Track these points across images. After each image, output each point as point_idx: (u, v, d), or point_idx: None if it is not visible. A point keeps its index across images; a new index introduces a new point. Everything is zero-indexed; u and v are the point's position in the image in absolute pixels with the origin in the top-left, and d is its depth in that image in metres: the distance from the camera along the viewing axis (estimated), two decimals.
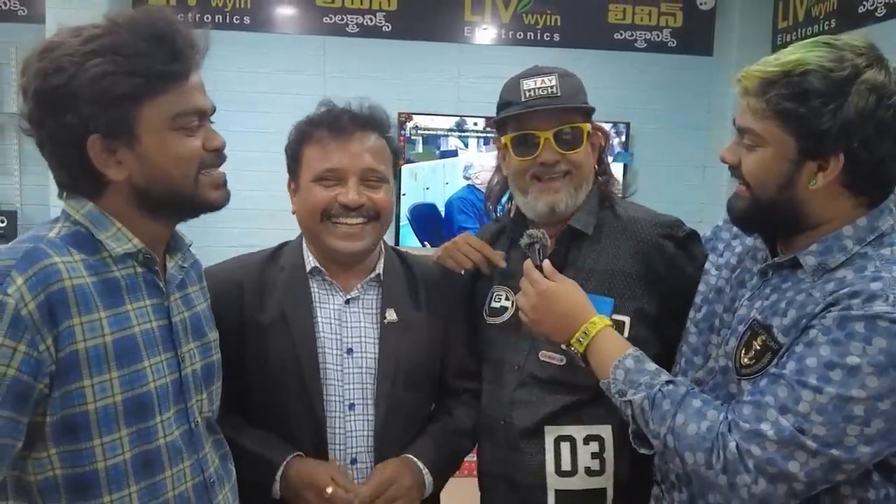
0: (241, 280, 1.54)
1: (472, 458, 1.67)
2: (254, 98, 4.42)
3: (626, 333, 1.48)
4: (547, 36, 4.73)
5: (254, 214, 4.02)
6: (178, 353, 1.21)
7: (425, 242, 4.58)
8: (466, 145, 4.65)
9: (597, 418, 1.51)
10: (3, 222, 4.35)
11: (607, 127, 1.73)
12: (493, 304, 1.65)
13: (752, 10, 4.57)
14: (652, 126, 4.64)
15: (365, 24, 4.63)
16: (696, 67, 4.81)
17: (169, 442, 1.17)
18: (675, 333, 1.50)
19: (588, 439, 1.51)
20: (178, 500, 1.18)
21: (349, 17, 4.62)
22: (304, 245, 1.59)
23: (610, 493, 1.51)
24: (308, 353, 1.49)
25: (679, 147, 4.79)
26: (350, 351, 1.52)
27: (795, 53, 1.17)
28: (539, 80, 1.55)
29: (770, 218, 1.25)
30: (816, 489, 1.13)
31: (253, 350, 1.49)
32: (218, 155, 1.21)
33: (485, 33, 4.72)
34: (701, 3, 4.71)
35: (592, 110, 1.59)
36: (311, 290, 1.55)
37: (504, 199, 1.75)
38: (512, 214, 1.70)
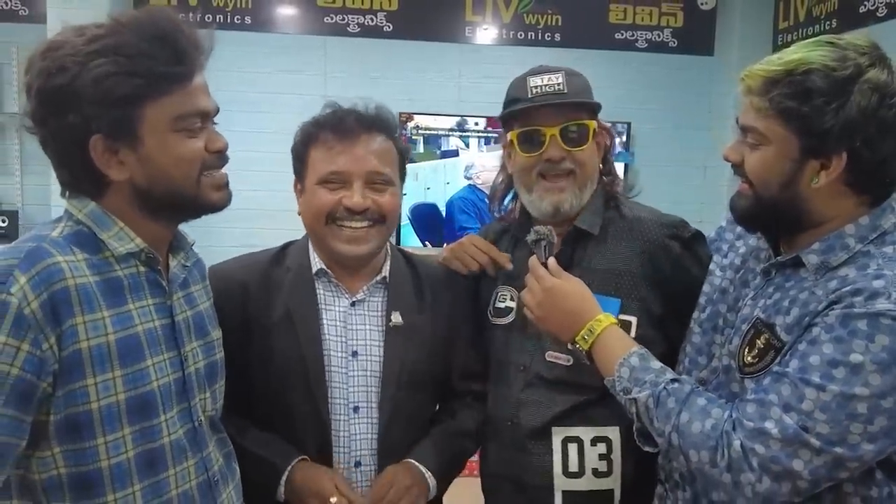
0: (245, 280, 1.53)
1: (473, 457, 1.67)
2: (255, 98, 4.42)
3: (632, 333, 1.48)
4: (548, 36, 4.73)
5: (255, 214, 4.02)
6: (180, 352, 1.21)
7: (426, 242, 4.59)
8: (467, 145, 4.65)
9: (604, 419, 1.51)
10: (4, 222, 4.36)
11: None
12: (498, 305, 1.65)
13: (753, 9, 4.58)
14: (652, 126, 4.65)
15: (366, 24, 4.64)
16: (697, 67, 4.82)
17: (173, 441, 1.17)
18: (679, 333, 1.49)
19: (595, 440, 1.51)
20: (182, 499, 1.18)
21: (350, 17, 4.62)
22: (310, 246, 1.58)
23: (617, 495, 1.51)
24: (314, 356, 1.48)
25: (680, 147, 4.80)
26: (355, 354, 1.52)
27: (798, 53, 1.18)
28: (546, 77, 1.54)
29: (773, 216, 1.25)
30: (820, 487, 1.13)
31: (258, 350, 1.48)
32: (220, 156, 1.20)
33: (486, 33, 4.73)
34: (702, 3, 4.71)
35: (599, 108, 1.59)
36: (317, 291, 1.54)
37: (507, 199, 1.75)
38: (517, 214, 1.70)
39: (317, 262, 1.55)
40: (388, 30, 4.65)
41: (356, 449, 1.49)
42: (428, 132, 4.61)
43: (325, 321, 1.52)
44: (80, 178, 1.14)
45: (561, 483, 1.51)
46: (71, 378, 1.05)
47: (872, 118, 1.13)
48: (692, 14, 4.81)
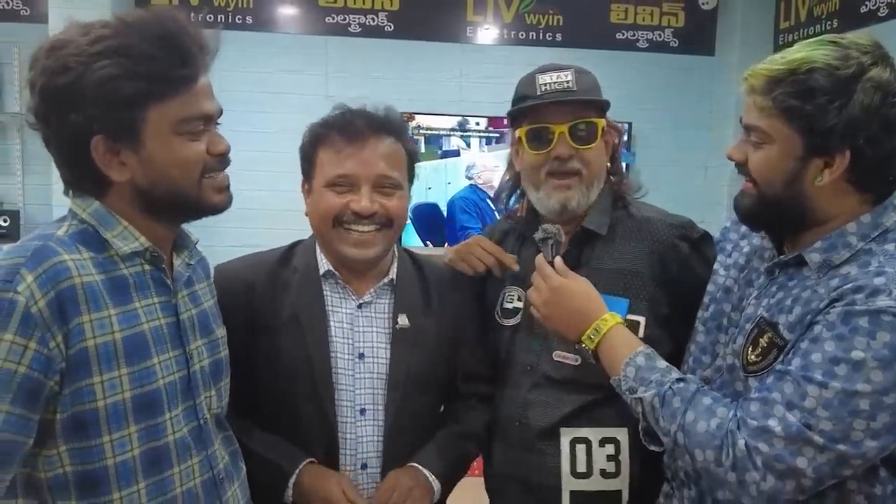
0: (252, 279, 1.53)
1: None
2: (256, 98, 4.42)
3: (640, 334, 1.48)
4: (549, 36, 4.73)
5: (257, 214, 4.03)
6: (186, 350, 1.22)
7: (427, 242, 4.59)
8: (469, 145, 4.65)
9: (613, 420, 1.51)
10: (5, 222, 4.36)
11: None
12: (506, 306, 1.65)
13: (754, 10, 4.58)
14: (654, 126, 4.65)
15: (367, 24, 4.64)
16: (698, 67, 4.82)
17: (178, 438, 1.17)
18: (686, 333, 1.49)
19: (604, 441, 1.51)
20: (187, 496, 1.18)
21: (351, 16, 4.62)
22: (318, 247, 1.57)
23: (625, 495, 1.51)
24: (321, 358, 1.48)
25: (681, 147, 4.80)
26: (362, 356, 1.51)
27: (801, 52, 1.18)
28: (555, 74, 1.54)
29: (777, 214, 1.26)
30: (824, 485, 1.13)
31: (264, 351, 1.48)
32: (222, 159, 1.20)
33: (487, 33, 4.73)
34: (703, 3, 4.71)
35: (608, 106, 1.59)
36: (325, 293, 1.53)
37: (514, 198, 1.75)
38: (524, 213, 1.70)
39: (324, 264, 1.55)
40: (390, 30, 4.65)
41: (362, 451, 1.49)
42: (429, 132, 4.61)
43: (332, 323, 1.51)
44: (81, 177, 1.15)
45: (569, 483, 1.51)
46: (78, 376, 1.05)
47: (875, 116, 1.14)
48: (693, 14, 4.81)
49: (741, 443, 1.14)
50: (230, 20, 4.52)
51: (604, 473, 1.51)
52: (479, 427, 1.62)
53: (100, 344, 1.07)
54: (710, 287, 1.47)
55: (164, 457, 1.15)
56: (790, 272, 1.27)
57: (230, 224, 3.63)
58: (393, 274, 1.58)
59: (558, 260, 1.45)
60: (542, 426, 1.53)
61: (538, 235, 1.48)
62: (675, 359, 1.43)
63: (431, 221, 4.60)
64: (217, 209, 1.22)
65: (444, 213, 4.64)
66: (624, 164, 4.45)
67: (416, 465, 1.50)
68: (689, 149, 4.81)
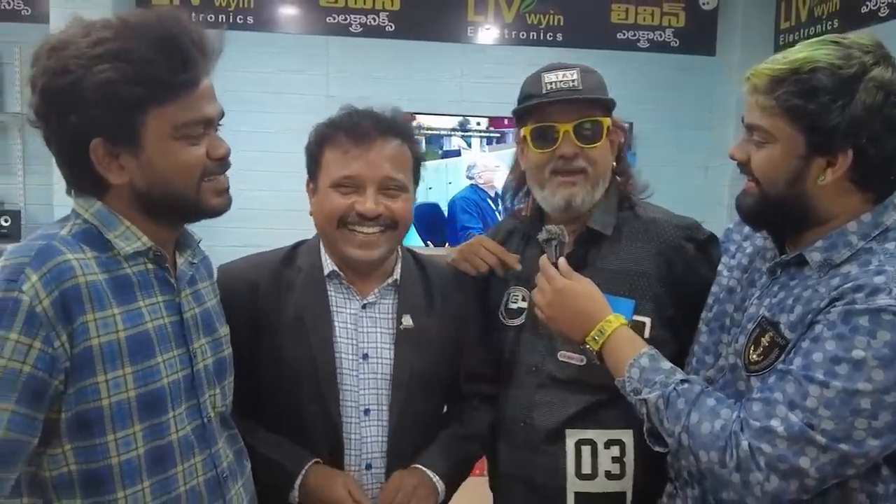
0: (255, 279, 1.53)
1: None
2: (257, 98, 4.42)
3: (646, 335, 1.48)
4: (550, 36, 4.73)
5: (258, 214, 4.03)
6: (189, 349, 1.22)
7: (428, 242, 4.60)
8: (469, 145, 4.66)
9: (618, 422, 1.51)
10: (7, 222, 4.35)
11: None
12: (511, 306, 1.65)
13: (755, 10, 4.58)
14: (654, 126, 4.65)
15: (368, 23, 4.64)
16: (699, 67, 4.82)
17: (181, 437, 1.17)
18: (690, 334, 1.49)
19: (609, 444, 1.51)
20: (190, 495, 1.19)
21: (352, 16, 4.62)
22: (322, 247, 1.57)
23: (629, 497, 1.51)
24: (325, 358, 1.48)
25: (682, 147, 4.80)
26: (366, 356, 1.52)
27: (803, 52, 1.19)
28: (561, 73, 1.54)
29: (779, 214, 1.26)
30: (827, 484, 1.14)
31: (267, 351, 1.48)
32: (222, 163, 1.20)
33: (488, 33, 4.73)
34: (703, 4, 4.71)
35: (613, 105, 1.59)
36: (329, 293, 1.53)
37: (519, 196, 1.75)
38: (528, 212, 1.70)
39: (328, 264, 1.55)
40: (391, 30, 4.65)
41: (367, 451, 1.49)
42: (430, 132, 4.62)
43: (336, 323, 1.51)
44: (80, 177, 1.15)
45: (574, 484, 1.51)
46: (82, 375, 1.05)
47: (877, 115, 1.15)
48: (694, 14, 4.81)
49: (744, 444, 1.14)
50: (231, 20, 4.52)
51: (608, 475, 1.51)
52: (483, 428, 1.62)
53: (104, 343, 1.07)
54: (713, 288, 1.47)
55: (168, 455, 1.16)
56: (792, 271, 1.28)
57: (231, 224, 3.63)
58: (397, 274, 1.58)
59: (562, 261, 1.44)
60: (547, 427, 1.54)
61: (542, 236, 1.47)
62: (680, 360, 1.43)
63: (432, 221, 4.60)
64: (216, 212, 1.22)
65: (445, 213, 4.64)
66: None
67: (421, 466, 1.50)
68: (689, 149, 4.81)
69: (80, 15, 1.15)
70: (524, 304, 1.62)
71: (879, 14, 3.71)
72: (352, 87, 4.50)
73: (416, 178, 1.58)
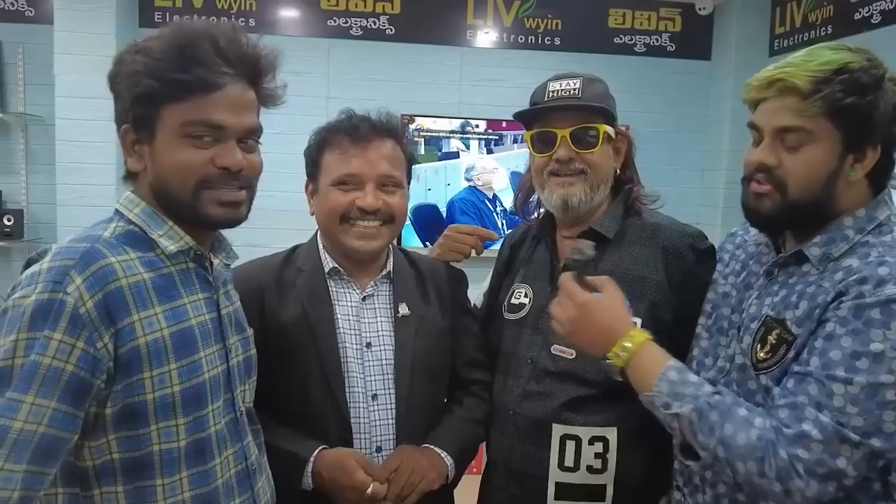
0: (260, 283, 1.59)
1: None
2: None
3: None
4: (548, 40, 4.76)
5: (258, 214, 4.05)
6: (226, 345, 1.26)
7: (427, 242, 4.62)
8: (468, 147, 4.70)
9: (604, 420, 1.55)
10: (10, 221, 4.37)
11: None
12: (513, 301, 1.71)
13: (750, 15, 4.60)
14: (650, 129, 4.66)
15: (368, 26, 4.68)
16: (695, 72, 4.85)
17: (218, 430, 1.21)
18: (685, 339, 1.52)
19: (594, 440, 1.55)
20: (224, 487, 1.22)
21: (353, 19, 4.66)
22: (320, 247, 1.65)
23: (610, 491, 1.55)
24: (330, 348, 1.55)
25: (677, 150, 4.83)
26: (369, 345, 1.58)
27: (829, 55, 1.23)
28: (564, 82, 1.61)
29: (802, 215, 1.27)
30: (859, 480, 1.15)
31: (275, 348, 1.53)
32: (229, 174, 1.19)
33: (486, 37, 4.76)
34: (699, 9, 4.73)
35: (612, 114, 1.63)
36: (330, 289, 1.61)
37: (531, 199, 1.81)
38: (539, 215, 1.77)
39: (328, 262, 1.63)
40: (391, 33, 4.69)
41: (377, 435, 1.55)
42: (429, 134, 4.66)
43: (338, 316, 1.59)
44: (126, 161, 1.22)
45: (555, 475, 1.55)
46: (130, 372, 1.09)
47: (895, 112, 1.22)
48: (690, 19, 4.84)
49: (782, 452, 1.13)
50: (236, 22, 4.54)
51: (590, 469, 1.54)
52: (483, 413, 1.67)
53: (150, 341, 1.11)
54: (710, 295, 1.50)
55: (208, 448, 1.19)
56: (790, 270, 1.31)
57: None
58: (389, 267, 1.66)
59: (595, 278, 1.42)
60: (535, 417, 1.58)
61: (575, 257, 1.42)
62: None
63: (431, 222, 4.64)
64: (216, 222, 1.23)
65: (444, 214, 4.68)
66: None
67: (432, 446, 1.56)
68: (685, 152, 4.85)
69: (84, 15, 1.23)
70: (525, 301, 1.69)
71: (872, 21, 3.75)
72: (352, 90, 4.53)
73: (409, 177, 1.67)
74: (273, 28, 4.62)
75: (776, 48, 4.48)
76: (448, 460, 1.55)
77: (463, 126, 4.67)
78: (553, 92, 1.60)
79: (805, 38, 4.25)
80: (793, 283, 1.28)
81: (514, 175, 4.56)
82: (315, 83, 4.57)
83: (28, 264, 1.12)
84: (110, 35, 4.18)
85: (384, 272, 1.65)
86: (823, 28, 4.13)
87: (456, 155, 4.70)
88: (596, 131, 1.59)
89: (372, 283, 1.63)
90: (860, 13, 3.83)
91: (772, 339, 1.26)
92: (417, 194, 4.58)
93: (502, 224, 4.68)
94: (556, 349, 1.60)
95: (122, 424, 1.10)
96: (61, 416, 1.03)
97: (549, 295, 1.65)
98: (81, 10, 4.14)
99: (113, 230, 1.17)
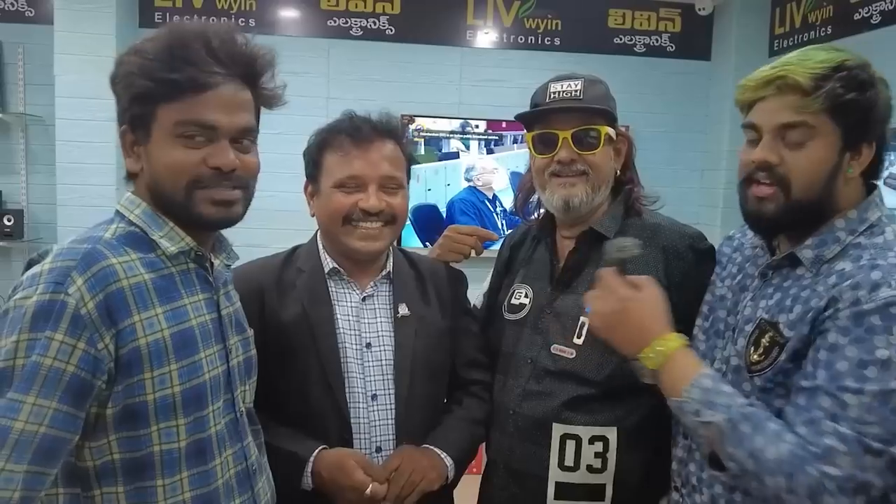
0: (260, 283, 1.60)
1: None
2: None
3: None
4: (548, 40, 4.77)
5: (257, 214, 4.05)
6: (226, 345, 1.26)
7: (427, 243, 4.63)
8: (468, 147, 4.70)
9: (604, 419, 1.55)
10: (10, 221, 4.37)
11: None
12: (513, 301, 1.72)
13: (750, 16, 4.61)
14: (650, 129, 4.67)
15: (368, 27, 4.68)
16: (695, 72, 4.86)
17: (218, 431, 1.21)
18: None
19: (594, 439, 1.55)
20: (225, 487, 1.22)
21: (353, 20, 4.67)
22: (320, 248, 1.65)
23: (609, 490, 1.55)
24: (330, 348, 1.55)
25: (677, 150, 4.84)
26: (369, 345, 1.59)
27: (826, 54, 1.24)
28: (566, 83, 1.61)
29: (803, 215, 1.27)
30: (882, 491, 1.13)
31: (275, 348, 1.53)
32: (221, 174, 1.18)
33: (486, 37, 4.77)
34: (699, 9, 4.74)
35: (613, 116, 1.64)
36: (330, 290, 1.61)
37: (532, 199, 1.82)
38: (539, 216, 1.78)
39: (328, 263, 1.63)
40: (391, 33, 4.69)
41: (376, 435, 1.55)
42: (429, 134, 4.66)
43: (338, 316, 1.59)
44: (125, 160, 1.22)
45: (555, 474, 1.56)
46: (131, 373, 1.09)
47: (888, 110, 1.25)
48: (690, 19, 4.85)
49: (811, 470, 1.11)
50: (233, 22, 4.56)
51: (590, 468, 1.55)
52: (483, 414, 1.68)
53: (151, 342, 1.11)
54: (707, 297, 1.51)
55: (208, 448, 1.19)
56: (784, 273, 1.31)
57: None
58: (389, 267, 1.66)
59: (636, 278, 1.40)
60: (535, 417, 1.58)
61: (618, 255, 1.41)
62: None
63: (431, 222, 4.64)
64: (210, 222, 1.22)
65: (443, 215, 4.68)
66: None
67: (432, 446, 1.56)
68: (685, 152, 4.85)
69: (84, 16, 1.23)
70: (525, 301, 1.69)
71: (872, 21, 3.75)
72: (352, 90, 4.54)
73: (409, 176, 1.67)
74: (273, 28, 4.63)
75: (776, 48, 4.48)
76: (448, 461, 1.55)
77: (463, 126, 4.68)
78: (554, 93, 1.61)
79: (805, 39, 4.26)
80: (787, 286, 1.29)
81: (514, 175, 4.57)
82: (315, 83, 4.58)
83: (29, 265, 1.13)
84: (110, 35, 4.19)
85: (384, 272, 1.65)
86: (823, 28, 4.14)
87: (456, 155, 4.70)
88: (597, 133, 1.60)
89: (372, 283, 1.63)
90: (860, 13, 3.84)
91: (765, 341, 1.26)
92: (417, 195, 4.59)
93: (502, 224, 4.68)
94: (555, 349, 1.60)
95: (122, 425, 1.10)
96: (62, 417, 1.03)
97: (548, 295, 1.66)
98: (81, 11, 4.15)
99: (114, 231, 1.17)
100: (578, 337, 1.58)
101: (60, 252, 1.10)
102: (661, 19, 4.88)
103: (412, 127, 4.60)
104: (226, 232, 1.32)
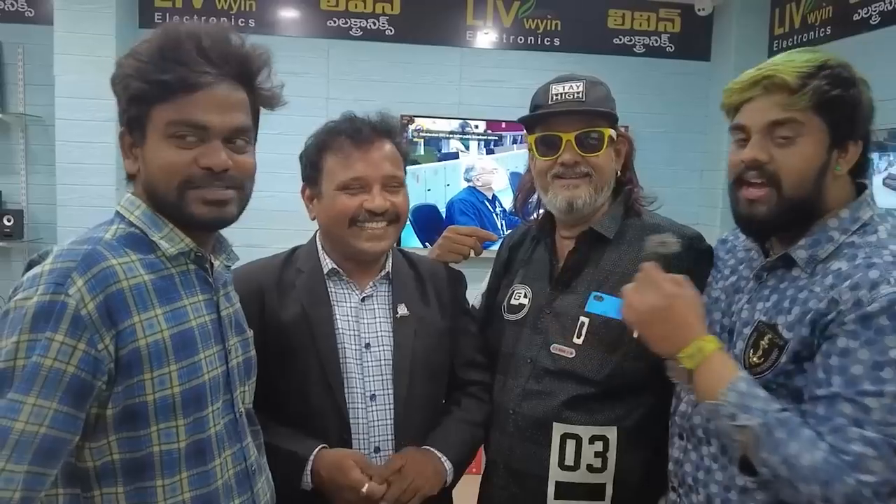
0: (260, 283, 1.60)
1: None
2: None
3: (635, 333, 1.53)
4: (547, 40, 4.77)
5: (256, 214, 4.06)
6: (225, 346, 1.26)
7: (426, 243, 4.63)
8: (467, 148, 4.70)
9: (603, 419, 1.55)
10: (9, 221, 4.37)
11: None
12: (513, 302, 1.72)
13: (749, 16, 4.62)
14: (650, 130, 4.68)
15: (368, 27, 4.69)
16: (694, 72, 4.87)
17: (217, 431, 1.21)
18: None
19: (594, 439, 1.56)
20: (224, 488, 1.22)
21: (353, 20, 4.67)
22: (319, 249, 1.66)
23: (609, 490, 1.56)
24: (329, 349, 1.55)
25: (676, 150, 4.85)
26: (368, 345, 1.59)
27: (809, 54, 1.27)
28: (567, 85, 1.62)
29: (795, 214, 1.28)
30: None
31: (275, 348, 1.53)
32: (213, 174, 1.18)
33: (486, 37, 4.77)
34: (699, 10, 4.74)
35: (615, 117, 1.65)
36: (329, 290, 1.61)
37: (531, 200, 1.82)
38: (539, 216, 1.78)
39: (327, 263, 1.63)
40: (390, 33, 4.70)
41: (375, 435, 1.56)
42: (429, 135, 4.67)
43: (337, 317, 1.59)
44: (124, 162, 1.23)
45: (555, 474, 1.56)
46: (130, 374, 1.09)
47: (871, 110, 1.26)
48: (689, 20, 4.86)
49: (848, 479, 1.10)
50: (232, 23, 4.54)
51: (590, 468, 1.55)
52: (483, 416, 1.68)
53: (150, 343, 1.11)
54: (703, 299, 1.50)
55: (208, 449, 1.19)
56: (779, 274, 1.32)
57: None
58: (388, 267, 1.66)
59: (677, 277, 1.38)
60: (535, 416, 1.59)
61: (660, 250, 1.42)
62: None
63: (430, 222, 4.65)
64: (203, 222, 1.21)
65: (443, 215, 4.69)
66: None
67: (432, 448, 1.56)
68: (684, 152, 4.86)
69: (84, 16, 1.23)
70: (525, 301, 1.69)
71: (871, 22, 3.76)
72: (351, 90, 4.54)
73: (405, 173, 1.69)
74: (273, 28, 4.63)
75: (775, 49, 4.49)
76: (447, 465, 1.56)
77: (462, 127, 4.68)
78: (557, 95, 1.61)
79: (804, 39, 4.27)
80: (783, 287, 1.29)
81: (514, 176, 4.57)
82: (315, 84, 4.58)
83: (30, 266, 1.12)
84: (110, 35, 4.19)
85: (383, 273, 1.65)
86: (822, 29, 4.14)
87: (455, 155, 4.70)
88: (601, 135, 1.60)
89: (371, 283, 1.64)
90: (859, 14, 3.85)
91: (764, 343, 1.27)
92: (417, 195, 4.58)
93: (502, 225, 4.68)
94: (555, 348, 1.60)
95: (122, 425, 1.10)
96: (62, 417, 1.03)
97: (548, 295, 1.66)
98: (81, 11, 4.15)
99: (114, 232, 1.17)
100: (578, 336, 1.58)
101: (61, 253, 1.10)
102: (660, 20, 4.89)
103: (412, 127, 4.60)
104: (225, 232, 1.32)
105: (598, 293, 1.60)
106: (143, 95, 1.14)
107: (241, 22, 4.58)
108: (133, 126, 1.18)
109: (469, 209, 4.69)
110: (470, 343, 1.73)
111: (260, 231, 3.40)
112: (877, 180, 3.34)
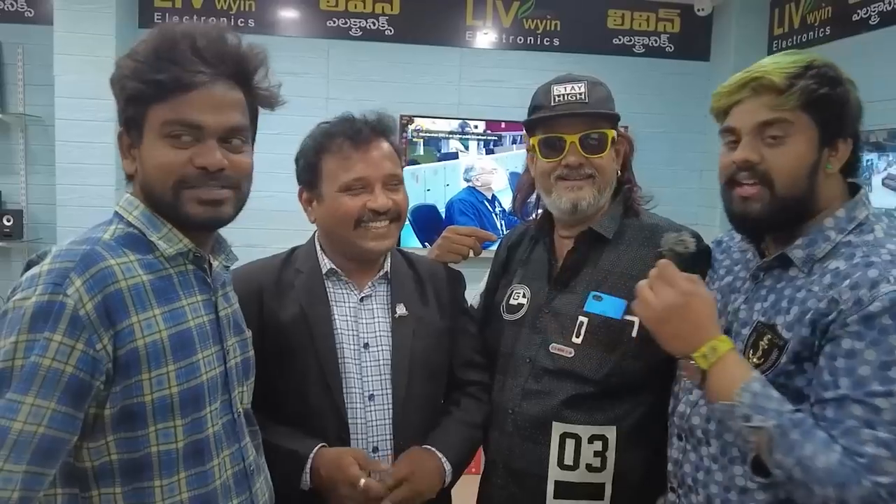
0: (259, 283, 1.60)
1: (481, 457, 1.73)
2: None
3: (634, 332, 1.54)
4: (547, 41, 4.78)
5: (255, 214, 4.06)
6: (224, 346, 1.26)
7: (426, 243, 4.63)
8: (467, 148, 4.71)
9: (603, 418, 1.56)
10: (9, 221, 4.38)
11: None
12: (511, 302, 1.72)
13: (749, 16, 4.62)
14: (649, 130, 4.67)
15: (368, 27, 4.69)
16: (694, 72, 4.87)
17: (215, 431, 1.21)
18: None
19: (593, 438, 1.56)
20: (222, 488, 1.22)
21: (352, 20, 4.67)
22: (318, 249, 1.66)
23: (608, 489, 1.56)
24: (328, 349, 1.56)
25: (676, 150, 4.85)
26: (367, 345, 1.59)
27: (795, 56, 1.28)
28: (569, 86, 1.62)
29: (788, 213, 1.28)
30: None
31: (274, 348, 1.54)
32: (208, 174, 1.17)
33: (486, 37, 4.78)
34: (698, 10, 4.74)
35: (618, 118, 1.65)
36: (328, 290, 1.61)
37: (530, 201, 1.82)
38: (538, 216, 1.78)
39: (326, 264, 1.63)
40: (390, 34, 4.70)
41: (373, 435, 1.56)
42: (428, 135, 4.67)
43: (336, 317, 1.59)
44: (123, 163, 1.23)
45: (555, 473, 1.56)
46: (129, 374, 1.09)
47: (859, 109, 1.27)
48: (689, 20, 4.86)
49: (864, 482, 1.10)
50: (232, 23, 4.55)
51: (589, 467, 1.55)
52: (481, 416, 1.68)
53: (149, 343, 1.11)
54: (717, 296, 1.50)
55: (206, 449, 1.19)
56: (776, 274, 1.32)
57: (229, 224, 3.65)
58: (387, 267, 1.66)
59: (693, 276, 1.36)
60: (535, 416, 1.59)
61: (678, 248, 1.39)
62: (668, 364, 1.47)
63: (430, 222, 4.65)
64: (198, 221, 1.20)
65: (442, 215, 4.69)
66: None
67: (432, 448, 1.57)
68: (684, 152, 4.86)
69: (83, 16, 1.23)
70: (524, 301, 1.70)
71: (870, 22, 3.76)
72: (351, 90, 4.54)
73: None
74: (272, 29, 4.63)
75: (775, 49, 4.49)
76: (447, 465, 1.56)
77: (462, 127, 4.69)
78: (559, 96, 1.62)
79: (804, 39, 4.27)
80: (781, 287, 1.29)
81: (513, 176, 4.58)
82: (314, 84, 4.58)
83: (28, 266, 1.12)
84: (110, 35, 4.19)
85: (382, 273, 1.65)
86: (822, 29, 4.14)
87: (455, 155, 4.70)
88: (604, 136, 1.61)
89: (370, 283, 1.64)
90: (858, 14, 3.84)
91: (763, 344, 1.27)
92: (416, 195, 4.59)
93: (501, 225, 4.69)
94: (554, 348, 1.61)
95: (120, 426, 1.10)
96: (61, 417, 1.03)
97: (546, 295, 1.67)
98: (81, 11, 4.15)
99: (112, 232, 1.17)
100: (577, 336, 1.58)
101: (59, 253, 1.10)
102: (660, 20, 4.89)
103: (411, 127, 4.60)
104: (224, 232, 1.32)
105: (597, 293, 1.60)
106: (140, 95, 1.14)
107: (241, 22, 4.58)
108: (130, 126, 1.18)
109: (468, 209, 4.69)
110: (469, 343, 1.73)
111: (259, 231, 3.40)
112: (876, 180, 3.34)
